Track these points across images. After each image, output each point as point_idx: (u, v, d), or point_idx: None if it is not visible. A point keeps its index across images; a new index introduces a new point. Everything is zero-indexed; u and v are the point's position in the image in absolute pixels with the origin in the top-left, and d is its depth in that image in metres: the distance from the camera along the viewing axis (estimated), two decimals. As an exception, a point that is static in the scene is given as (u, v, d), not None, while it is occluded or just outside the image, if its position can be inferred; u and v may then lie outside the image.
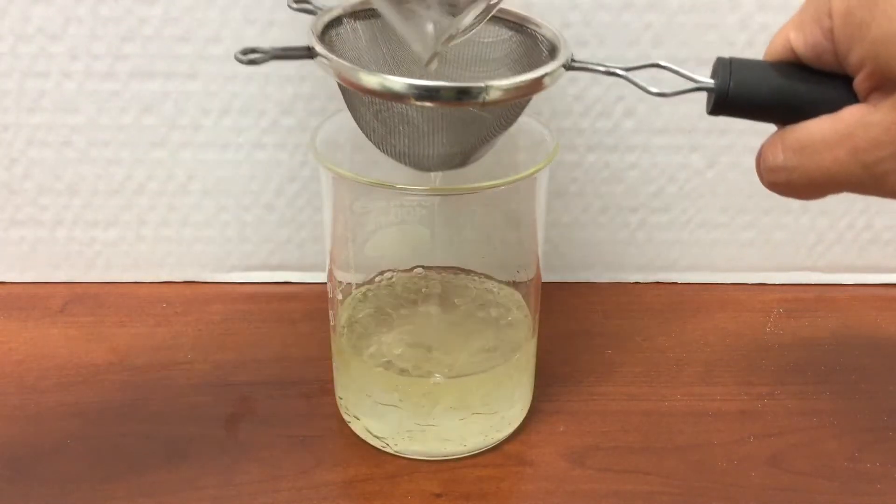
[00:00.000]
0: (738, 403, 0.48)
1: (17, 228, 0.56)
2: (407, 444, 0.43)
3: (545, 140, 0.42)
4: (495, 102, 0.35)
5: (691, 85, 0.35)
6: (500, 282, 0.48)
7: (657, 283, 0.59)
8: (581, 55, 0.51)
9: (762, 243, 0.58)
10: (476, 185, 0.39)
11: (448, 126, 0.37)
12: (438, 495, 0.42)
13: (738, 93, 0.33)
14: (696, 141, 0.54)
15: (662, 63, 0.36)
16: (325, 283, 0.45)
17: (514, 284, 0.47)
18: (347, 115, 0.42)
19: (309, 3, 0.40)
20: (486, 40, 0.41)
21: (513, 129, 0.40)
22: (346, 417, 0.45)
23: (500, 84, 0.34)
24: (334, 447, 0.44)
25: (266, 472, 0.43)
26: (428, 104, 0.34)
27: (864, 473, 0.44)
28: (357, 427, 0.45)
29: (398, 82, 0.34)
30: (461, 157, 0.39)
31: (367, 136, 0.39)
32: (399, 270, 0.49)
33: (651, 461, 0.44)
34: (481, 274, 0.49)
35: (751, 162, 0.55)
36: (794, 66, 0.33)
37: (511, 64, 0.40)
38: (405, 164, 0.39)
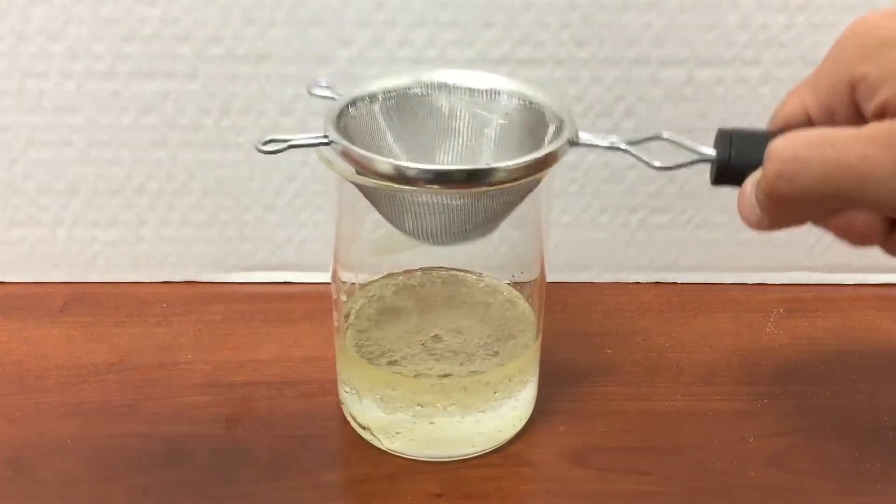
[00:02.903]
0: (738, 403, 0.48)
1: (17, 228, 0.56)
2: (412, 446, 0.43)
3: None
4: (501, 182, 0.35)
5: (694, 157, 0.35)
6: (505, 282, 0.48)
7: (657, 283, 0.59)
8: (581, 55, 0.52)
9: (762, 243, 0.58)
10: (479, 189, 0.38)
11: (459, 207, 0.38)
12: (438, 495, 0.42)
13: (738, 163, 0.34)
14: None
15: (666, 135, 0.36)
16: (326, 283, 0.45)
17: (519, 285, 0.47)
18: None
19: (328, 89, 0.41)
20: (492, 114, 0.41)
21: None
22: (348, 418, 0.45)
23: (506, 166, 0.35)
24: (334, 447, 0.44)
25: (266, 472, 0.43)
26: (437, 187, 0.35)
27: (864, 473, 0.44)
28: (360, 428, 0.45)
29: (410, 168, 0.35)
30: (475, 234, 0.40)
31: (379, 212, 0.40)
32: (403, 271, 0.49)
33: (651, 461, 0.44)
34: (486, 275, 0.48)
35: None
36: None
37: (518, 139, 0.41)
38: (419, 239, 0.40)
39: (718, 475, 0.43)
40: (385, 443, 0.44)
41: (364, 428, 0.44)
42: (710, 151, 0.35)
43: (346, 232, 0.43)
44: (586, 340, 0.53)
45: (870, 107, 0.31)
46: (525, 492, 0.42)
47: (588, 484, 0.43)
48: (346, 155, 0.36)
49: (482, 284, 0.48)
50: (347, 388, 0.45)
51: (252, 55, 0.51)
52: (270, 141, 0.36)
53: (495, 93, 0.41)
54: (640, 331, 0.54)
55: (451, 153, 0.42)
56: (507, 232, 0.45)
